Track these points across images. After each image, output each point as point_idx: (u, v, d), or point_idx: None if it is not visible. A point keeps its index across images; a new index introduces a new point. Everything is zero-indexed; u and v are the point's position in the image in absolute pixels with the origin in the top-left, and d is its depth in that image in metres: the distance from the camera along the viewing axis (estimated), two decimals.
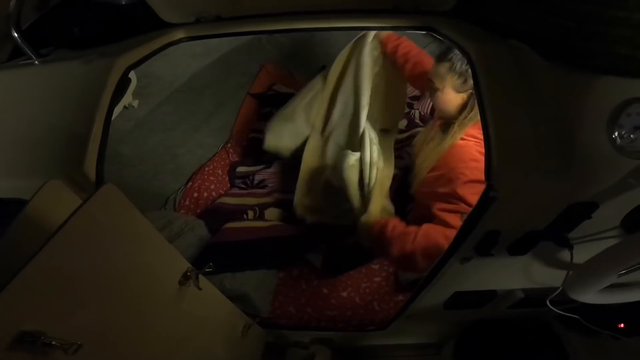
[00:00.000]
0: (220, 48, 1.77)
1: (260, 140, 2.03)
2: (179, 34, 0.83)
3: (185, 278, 0.71)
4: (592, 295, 0.67)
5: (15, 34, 0.74)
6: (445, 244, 0.86)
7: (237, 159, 1.97)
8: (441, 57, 1.05)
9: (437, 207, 1.01)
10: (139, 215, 0.57)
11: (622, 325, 1.05)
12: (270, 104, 2.28)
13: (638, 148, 0.53)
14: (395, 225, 1.06)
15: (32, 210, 0.50)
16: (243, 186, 1.79)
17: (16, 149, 0.66)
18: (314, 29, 0.82)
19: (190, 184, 1.77)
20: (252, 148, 1.99)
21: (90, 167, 0.59)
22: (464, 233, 0.67)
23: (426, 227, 1.00)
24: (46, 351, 0.44)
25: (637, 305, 1.04)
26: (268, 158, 1.93)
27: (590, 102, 0.51)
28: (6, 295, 0.40)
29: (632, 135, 0.53)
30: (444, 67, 1.03)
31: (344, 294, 1.38)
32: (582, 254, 0.68)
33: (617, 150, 0.52)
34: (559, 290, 0.72)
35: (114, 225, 0.52)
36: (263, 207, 1.65)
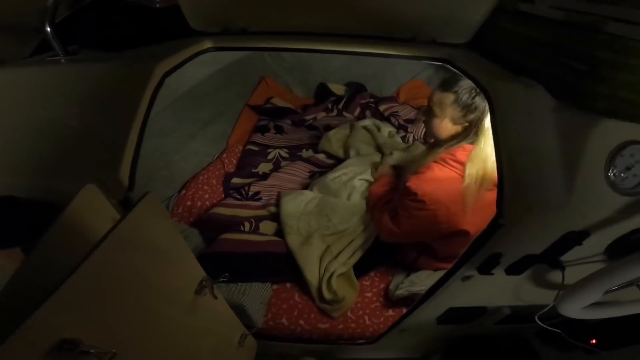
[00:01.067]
0: (225, 58, 1.80)
1: (256, 152, 2.05)
2: (207, 44, 0.85)
3: (200, 287, 0.72)
4: (579, 311, 0.74)
5: (49, 29, 0.74)
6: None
7: (232, 170, 1.97)
8: (446, 87, 1.10)
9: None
10: (172, 224, 0.58)
11: (594, 340, 1.13)
12: (267, 116, 2.32)
13: (627, 186, 0.61)
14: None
15: (71, 213, 0.51)
16: (238, 197, 1.79)
17: (44, 147, 0.65)
18: (337, 52, 0.86)
19: (184, 192, 1.75)
20: (248, 159, 2.00)
21: (125, 172, 0.60)
22: (469, 254, 0.73)
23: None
24: (83, 359, 0.44)
25: (607, 324, 1.15)
26: (263, 171, 1.95)
27: (593, 142, 0.58)
28: (51, 303, 0.41)
29: (622, 174, 0.61)
30: (448, 98, 1.08)
31: None
32: (569, 275, 0.75)
33: (610, 187, 0.60)
34: (549, 307, 0.79)
35: (151, 235, 0.53)
36: (258, 219, 1.65)
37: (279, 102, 2.35)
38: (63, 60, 0.75)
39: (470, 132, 1.09)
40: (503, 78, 0.68)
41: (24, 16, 0.95)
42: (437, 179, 1.10)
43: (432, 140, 1.29)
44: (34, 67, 0.74)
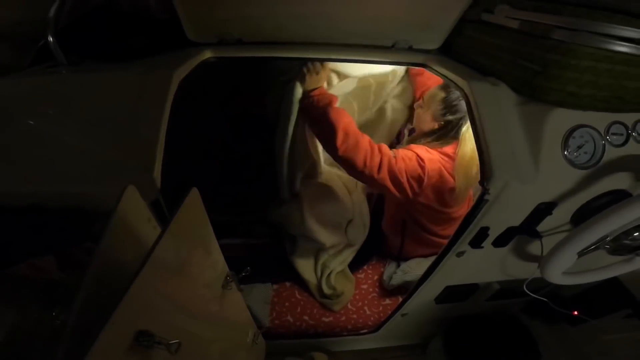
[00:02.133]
0: None
1: (238, 161, 2.09)
2: (207, 54, 0.90)
3: (226, 281, 0.78)
4: (560, 277, 0.85)
5: (51, 39, 0.78)
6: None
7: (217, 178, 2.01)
8: (445, 87, 1.17)
9: None
10: (207, 217, 0.65)
11: (575, 312, 1.27)
12: None
13: (581, 161, 0.75)
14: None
15: (120, 213, 0.56)
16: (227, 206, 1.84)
17: (66, 154, 0.69)
18: (326, 59, 0.95)
19: None
20: (232, 168, 2.04)
21: (157, 173, 0.65)
22: (461, 230, 0.84)
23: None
24: (154, 351, 0.48)
25: (586, 296, 1.29)
26: None
27: (549, 127, 0.73)
28: (126, 301, 0.44)
29: (575, 153, 0.75)
30: (439, 95, 1.17)
31: None
32: (548, 247, 0.87)
33: (568, 163, 0.74)
34: (534, 274, 0.91)
35: (193, 229, 0.60)
36: (250, 223, 1.70)
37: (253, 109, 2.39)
38: (65, 70, 0.79)
39: (446, 132, 1.19)
40: (474, 78, 0.81)
41: (20, 26, 0.97)
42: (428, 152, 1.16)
43: (413, 134, 1.39)
44: (44, 76, 0.78)
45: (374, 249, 1.63)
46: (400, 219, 1.44)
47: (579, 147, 0.74)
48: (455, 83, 0.84)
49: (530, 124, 0.74)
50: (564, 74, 0.66)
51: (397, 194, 1.15)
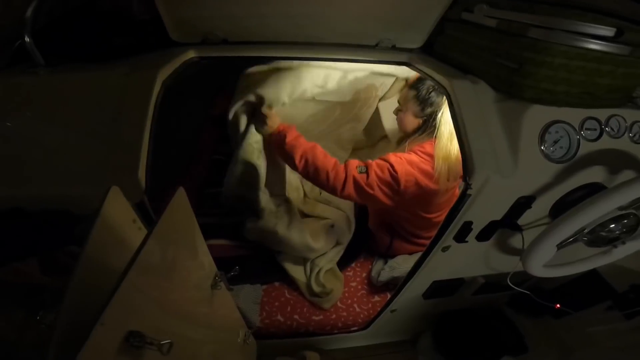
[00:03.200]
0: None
1: (224, 162, 2.08)
2: (190, 54, 0.89)
3: (215, 281, 0.78)
4: (542, 269, 0.88)
5: (28, 40, 0.76)
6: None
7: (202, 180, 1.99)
8: (412, 85, 1.23)
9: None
10: (194, 218, 0.65)
11: (558, 305, 1.30)
12: None
13: (557, 156, 0.78)
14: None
15: (103, 215, 0.56)
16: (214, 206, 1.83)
17: (49, 155, 0.68)
18: (312, 59, 0.96)
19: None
20: (217, 169, 2.02)
21: (142, 175, 0.65)
22: (445, 225, 0.86)
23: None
24: (145, 352, 0.48)
25: (567, 290, 1.33)
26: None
27: (526, 123, 0.75)
28: (114, 302, 0.44)
29: (551, 148, 0.77)
30: (410, 94, 1.22)
31: None
32: (528, 241, 0.90)
33: (544, 157, 0.76)
34: (516, 268, 0.93)
35: (180, 230, 0.60)
36: (238, 225, 1.70)
37: None
38: (42, 71, 0.77)
39: (429, 124, 1.23)
40: (455, 76, 0.83)
41: None
42: (411, 160, 1.20)
43: (400, 135, 1.42)
44: (19, 77, 0.76)
45: (362, 246, 1.65)
46: (386, 223, 1.47)
47: (555, 142, 0.77)
48: (437, 81, 0.86)
49: (509, 120, 0.76)
50: (539, 71, 0.69)
51: (372, 205, 1.19)
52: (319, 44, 0.97)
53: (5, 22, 0.85)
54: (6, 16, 0.86)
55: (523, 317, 1.51)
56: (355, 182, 1.16)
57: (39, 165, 0.70)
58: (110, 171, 0.67)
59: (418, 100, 1.21)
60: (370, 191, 1.15)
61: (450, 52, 0.92)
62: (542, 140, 0.76)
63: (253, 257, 1.55)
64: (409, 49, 0.98)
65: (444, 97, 1.08)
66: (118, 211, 0.61)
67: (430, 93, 1.17)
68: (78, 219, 0.71)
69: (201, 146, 2.12)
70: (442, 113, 1.17)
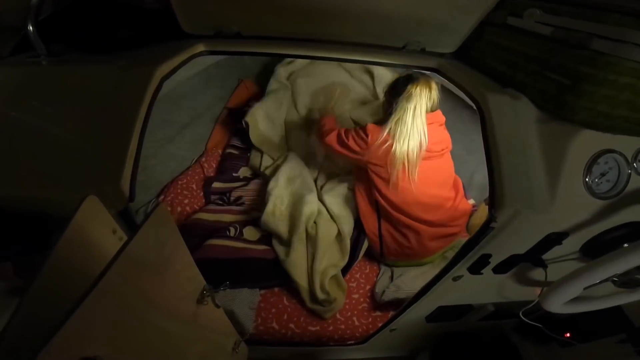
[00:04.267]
0: (203, 60, 1.75)
1: (236, 156, 2.02)
2: (200, 47, 0.83)
3: (202, 296, 0.71)
4: (560, 306, 0.79)
5: (31, 28, 0.72)
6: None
7: (212, 174, 1.93)
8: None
9: None
10: (177, 233, 0.57)
11: (567, 334, 1.22)
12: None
13: (602, 190, 0.67)
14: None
15: (75, 225, 0.49)
16: (220, 202, 1.76)
17: (33, 156, 0.62)
18: (330, 59, 0.86)
19: (162, 197, 1.70)
20: (228, 163, 1.98)
21: (125, 182, 0.58)
22: (460, 255, 0.77)
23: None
24: None
25: (580, 318, 1.24)
26: (245, 175, 1.94)
27: (572, 150, 0.64)
28: (70, 323, 0.39)
29: (597, 180, 0.67)
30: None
31: None
32: (548, 273, 0.81)
33: (587, 191, 0.66)
34: (534, 302, 0.84)
35: (158, 246, 0.52)
36: (242, 224, 1.64)
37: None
38: (45, 61, 0.72)
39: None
40: (491, 89, 0.73)
41: (3, 15, 0.90)
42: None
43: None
44: (17, 68, 0.71)
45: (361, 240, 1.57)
46: (373, 199, 1.47)
47: (602, 175, 0.66)
48: (470, 93, 0.76)
49: (552, 146, 0.66)
50: (598, 90, 0.58)
51: (346, 152, 1.43)
52: (339, 43, 0.87)
53: (12, 9, 0.81)
54: (12, 3, 0.81)
55: (528, 343, 1.43)
56: (338, 134, 1.47)
57: (20, 165, 0.64)
58: (94, 177, 0.60)
59: (389, 95, 1.36)
60: (345, 139, 1.43)
61: (488, 60, 0.81)
62: (588, 171, 0.65)
63: (255, 260, 1.48)
64: (439, 53, 0.87)
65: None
66: (95, 221, 0.54)
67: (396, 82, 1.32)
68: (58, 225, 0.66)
69: (214, 137, 2.06)
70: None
